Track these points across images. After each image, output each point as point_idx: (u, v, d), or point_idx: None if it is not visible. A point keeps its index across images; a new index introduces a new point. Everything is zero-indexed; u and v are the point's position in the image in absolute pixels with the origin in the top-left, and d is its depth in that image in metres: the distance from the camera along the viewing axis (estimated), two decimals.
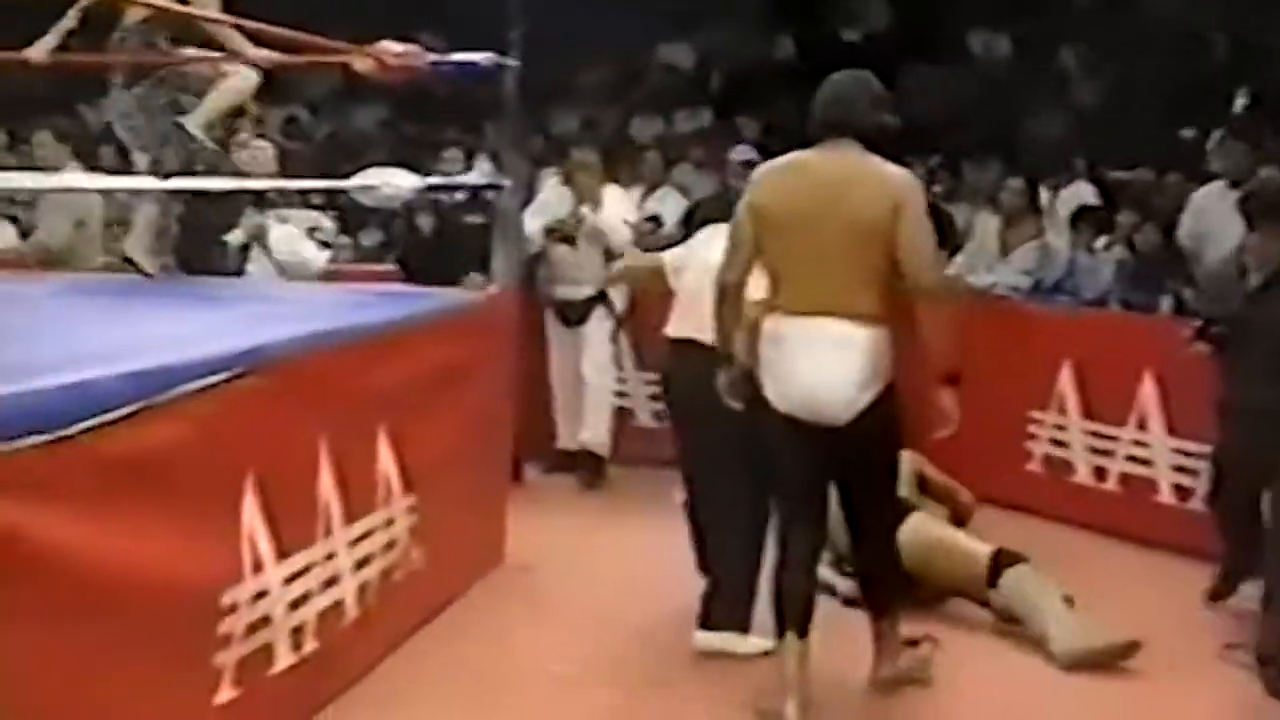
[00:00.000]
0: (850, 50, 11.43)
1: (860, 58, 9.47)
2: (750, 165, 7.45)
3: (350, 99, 11.81)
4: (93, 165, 7.41)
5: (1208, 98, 9.65)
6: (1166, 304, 6.92)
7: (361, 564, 4.17)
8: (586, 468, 6.89)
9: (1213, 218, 7.20)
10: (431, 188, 6.30)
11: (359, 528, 4.15)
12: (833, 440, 4.04)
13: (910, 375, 4.10)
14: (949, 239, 5.35)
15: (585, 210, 6.85)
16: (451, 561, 4.86)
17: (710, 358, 4.43)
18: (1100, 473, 6.39)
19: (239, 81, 5.28)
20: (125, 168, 5.97)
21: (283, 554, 3.64)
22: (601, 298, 6.92)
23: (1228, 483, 4.74)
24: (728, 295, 4.16)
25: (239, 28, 5.07)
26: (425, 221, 7.65)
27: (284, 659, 3.68)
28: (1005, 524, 5.80)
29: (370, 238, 8.56)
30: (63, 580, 2.79)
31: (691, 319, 4.68)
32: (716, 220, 4.91)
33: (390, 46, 5.39)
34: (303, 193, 7.00)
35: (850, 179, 4.03)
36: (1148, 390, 6.14)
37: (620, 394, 7.37)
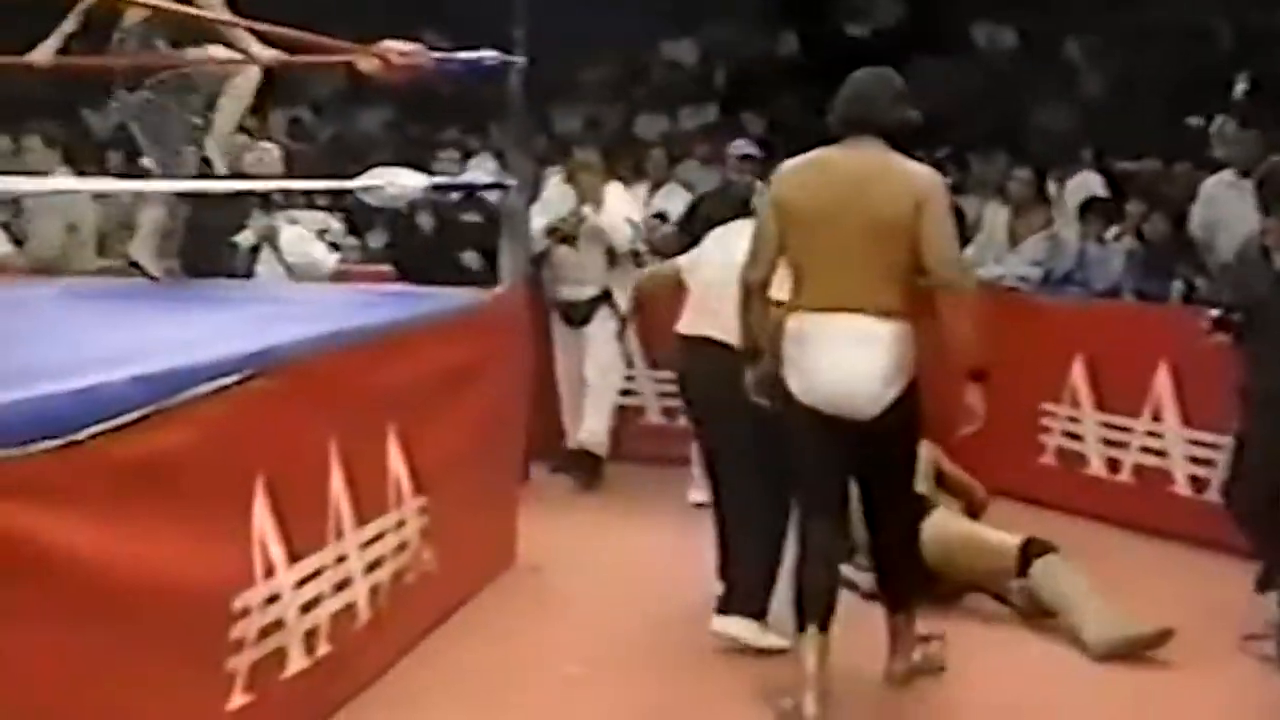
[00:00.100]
0: (855, 45, 11.41)
1: (865, 52, 9.44)
2: (748, 159, 7.53)
3: (354, 100, 11.80)
4: (89, 170, 7.39)
5: (1213, 86, 9.62)
6: (1177, 289, 6.90)
7: (373, 566, 4.15)
8: (583, 468, 6.85)
9: (1224, 206, 7.17)
10: (438, 187, 6.27)
11: (370, 530, 4.13)
12: (856, 435, 4.05)
13: (932, 371, 4.10)
14: (958, 232, 5.34)
15: (586, 210, 6.80)
16: (463, 563, 4.83)
17: (724, 354, 4.45)
18: (1114, 465, 6.36)
19: (244, 81, 5.26)
20: (131, 171, 5.96)
21: (294, 557, 3.62)
22: (605, 298, 6.88)
23: (1251, 474, 4.62)
24: (753, 292, 4.17)
25: (242, 27, 5.05)
26: (424, 221, 7.64)
27: (296, 663, 3.66)
28: (1019, 517, 5.76)
29: (377, 239, 8.54)
30: (74, 585, 2.77)
31: (705, 316, 4.70)
32: (720, 215, 4.95)
33: (394, 46, 5.36)
34: (309, 194, 6.98)
35: (872, 176, 4.04)
36: (1162, 381, 6.10)
37: (630, 392, 7.36)
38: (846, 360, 3.98)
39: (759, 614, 4.60)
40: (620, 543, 5.85)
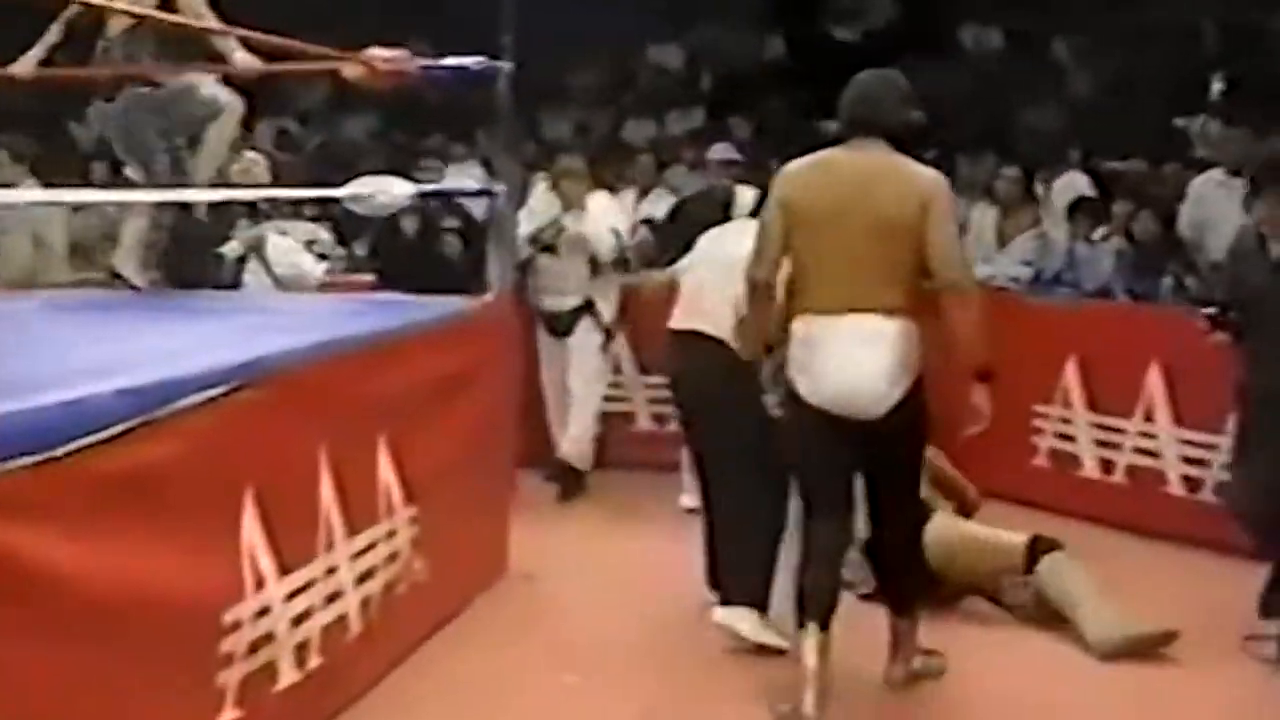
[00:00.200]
0: (842, 48, 11.41)
1: (852, 55, 9.45)
2: (729, 164, 7.58)
3: (341, 109, 11.76)
4: (65, 183, 7.32)
5: (1200, 87, 9.64)
6: (1167, 285, 6.90)
7: (364, 577, 4.12)
8: (564, 480, 6.81)
9: (1213, 206, 7.18)
10: (426, 195, 6.25)
11: (361, 541, 4.10)
12: (862, 435, 4.06)
13: (936, 371, 4.11)
14: None
15: (568, 218, 6.72)
16: (455, 572, 4.80)
17: (716, 349, 4.53)
18: (1107, 466, 6.35)
19: (229, 117, 5.24)
20: (115, 183, 5.91)
21: (284, 570, 3.59)
22: (588, 308, 6.81)
23: (1253, 474, 4.51)
24: (759, 291, 4.18)
25: (227, 34, 5.02)
26: (408, 228, 7.63)
27: (287, 676, 3.63)
28: (1012, 519, 5.73)
29: (365, 247, 8.51)
30: (61, 601, 2.73)
31: (697, 313, 4.74)
32: (700, 219, 5.03)
33: (380, 52, 5.33)
34: (296, 203, 6.95)
35: (878, 177, 4.06)
36: (1154, 381, 6.10)
37: (620, 398, 7.33)
38: (853, 360, 3.99)
39: (761, 606, 4.62)
40: (612, 549, 5.82)
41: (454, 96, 8.79)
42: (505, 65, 5.40)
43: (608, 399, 7.21)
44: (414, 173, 7.45)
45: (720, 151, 7.93)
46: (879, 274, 4.00)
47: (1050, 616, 4.84)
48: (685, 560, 4.92)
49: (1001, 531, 5.09)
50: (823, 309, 4.04)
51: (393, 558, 4.33)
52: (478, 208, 8.08)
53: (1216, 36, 10.60)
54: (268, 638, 3.51)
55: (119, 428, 2.91)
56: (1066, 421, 6.49)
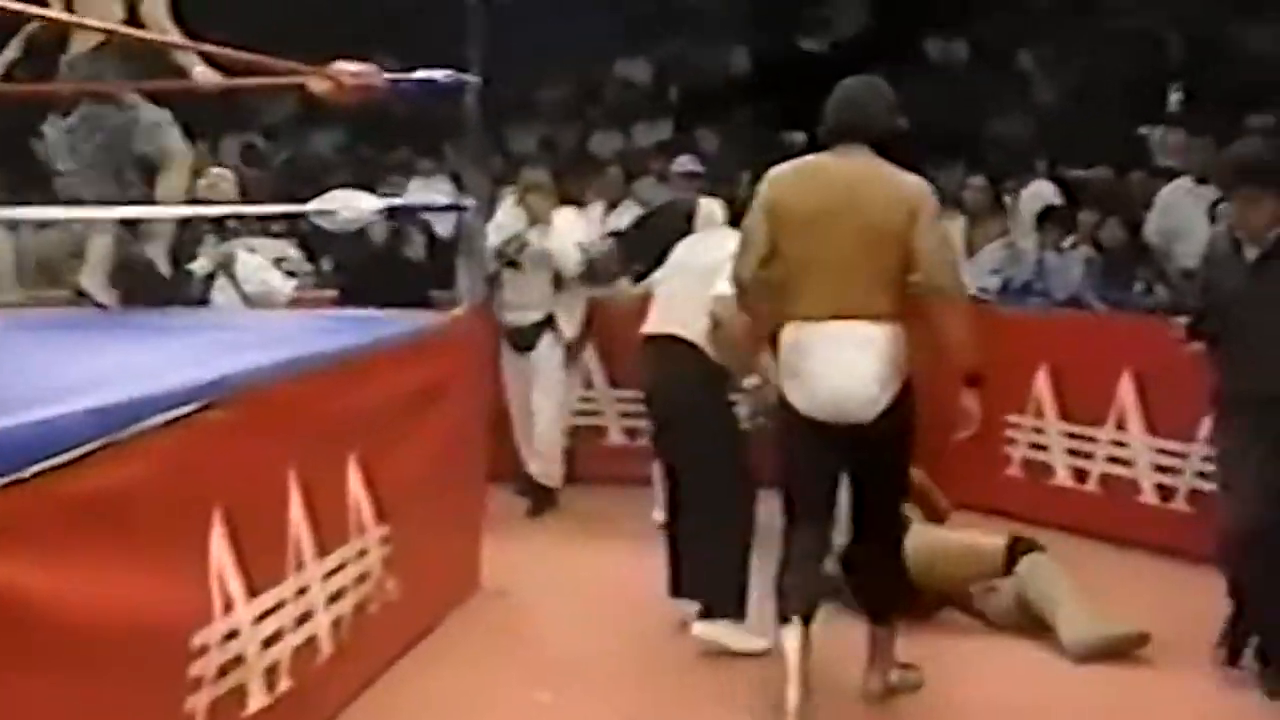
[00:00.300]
0: (809, 59, 11.43)
1: (819, 66, 9.44)
2: (692, 176, 7.60)
3: (307, 124, 11.72)
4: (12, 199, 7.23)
5: (1164, 95, 9.69)
6: (1139, 291, 6.92)
7: (335, 598, 4.07)
8: (534, 495, 6.77)
9: (1181, 213, 7.22)
10: (394, 210, 6.21)
11: (331, 561, 4.05)
12: (851, 440, 4.07)
13: (924, 376, 4.12)
14: None
15: (531, 233, 6.66)
16: (427, 590, 4.76)
17: (689, 353, 4.59)
18: (1080, 475, 6.35)
19: (181, 164, 5.20)
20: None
21: (253, 591, 3.54)
22: (549, 323, 6.74)
23: (1238, 490, 4.26)
24: (746, 291, 4.21)
25: (191, 49, 4.97)
26: (373, 244, 7.58)
27: (257, 699, 3.57)
28: (987, 530, 5.72)
29: (331, 263, 8.45)
30: (26, 625, 2.67)
31: (669, 317, 4.78)
32: (663, 231, 5.11)
33: (346, 67, 5.29)
34: (263, 219, 6.89)
35: (864, 183, 4.07)
36: (1126, 390, 6.10)
37: (592, 412, 7.29)
38: (843, 364, 4.00)
39: (739, 616, 4.65)
40: (586, 564, 5.80)
41: (421, 110, 8.76)
42: (473, 79, 5.37)
43: (579, 413, 7.18)
44: (380, 187, 7.40)
45: (683, 164, 7.95)
46: (866, 279, 4.01)
47: (1026, 623, 4.85)
48: (658, 574, 4.91)
49: (979, 535, 5.13)
50: (811, 315, 4.05)
51: (364, 577, 4.28)
52: (441, 223, 8.07)
53: (1180, 45, 10.67)
54: (237, 661, 3.46)
55: (85, 449, 2.86)
56: (1039, 431, 6.50)
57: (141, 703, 3.05)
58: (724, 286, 4.45)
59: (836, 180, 4.08)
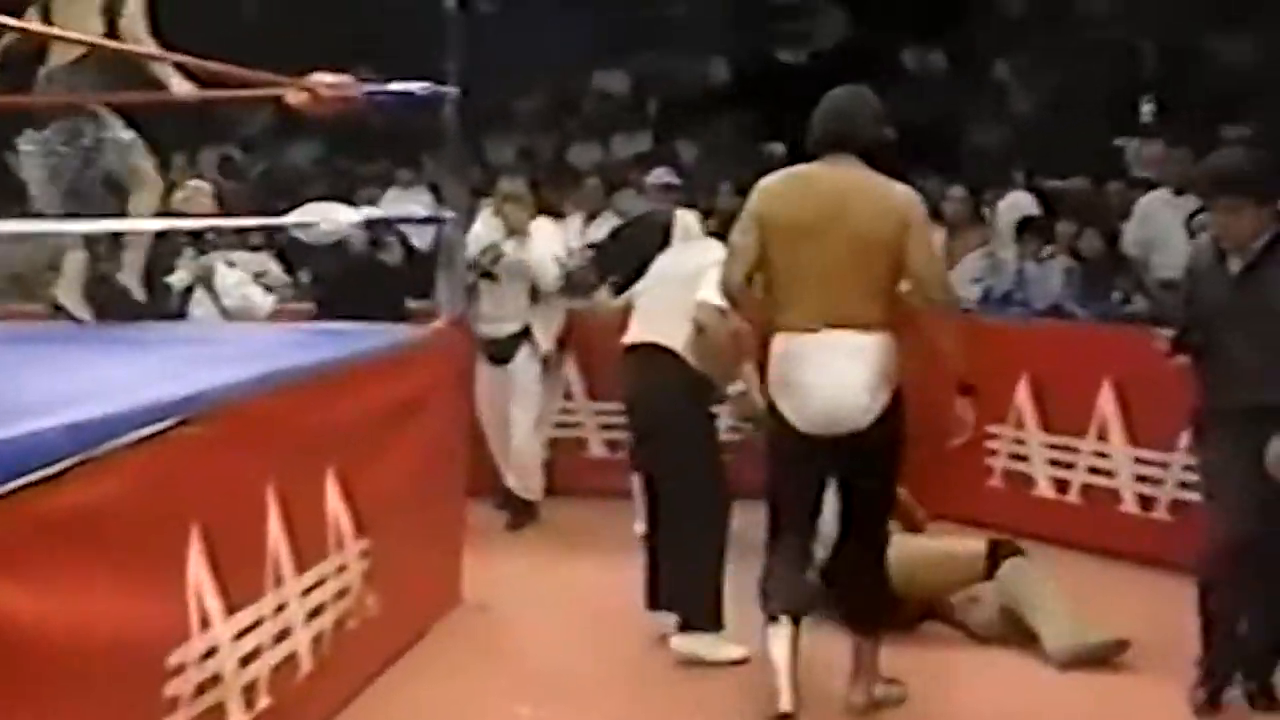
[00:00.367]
0: (787, 71, 11.45)
1: (797, 78, 9.44)
2: (668, 189, 7.60)
3: (284, 136, 11.68)
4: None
5: (1139, 106, 9.73)
6: (1116, 298, 6.93)
7: (314, 614, 4.03)
8: (514, 510, 6.73)
9: (1159, 224, 7.23)
10: (373, 222, 6.18)
11: (310, 576, 4.01)
12: (841, 450, 4.07)
13: (914, 384, 4.13)
14: None
15: (509, 244, 6.62)
16: (408, 605, 4.73)
17: (670, 361, 4.62)
18: (1062, 485, 6.35)
19: (152, 185, 5.17)
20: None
21: (231, 609, 3.50)
22: (525, 334, 6.68)
23: (1225, 509, 4.19)
24: (737, 300, 4.21)
25: (168, 61, 4.94)
26: (349, 256, 7.55)
27: (236, 718, 3.53)
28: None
29: (309, 275, 8.42)
30: (0, 643, 2.63)
31: (650, 327, 4.78)
32: (639, 243, 5.18)
33: (323, 78, 5.27)
34: (240, 232, 6.85)
35: (854, 193, 4.08)
36: (1107, 400, 6.10)
37: (572, 424, 7.26)
38: (835, 373, 4.00)
39: (716, 626, 4.66)
40: (567, 577, 5.79)
41: (399, 122, 8.73)
42: (451, 90, 5.35)
43: (559, 425, 7.15)
44: (357, 199, 7.38)
45: (659, 176, 7.94)
46: (857, 289, 4.01)
47: (1009, 632, 4.86)
48: (639, 587, 4.90)
49: (959, 541, 5.15)
50: (801, 325, 4.04)
51: (344, 592, 4.24)
52: (418, 234, 8.04)
53: (1155, 56, 10.72)
54: (214, 679, 3.42)
55: (61, 465, 2.82)
56: (1020, 442, 6.50)
57: None
58: (708, 292, 4.44)
59: (827, 190, 4.08)
